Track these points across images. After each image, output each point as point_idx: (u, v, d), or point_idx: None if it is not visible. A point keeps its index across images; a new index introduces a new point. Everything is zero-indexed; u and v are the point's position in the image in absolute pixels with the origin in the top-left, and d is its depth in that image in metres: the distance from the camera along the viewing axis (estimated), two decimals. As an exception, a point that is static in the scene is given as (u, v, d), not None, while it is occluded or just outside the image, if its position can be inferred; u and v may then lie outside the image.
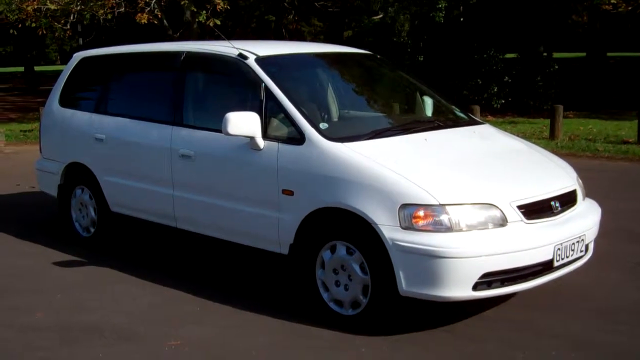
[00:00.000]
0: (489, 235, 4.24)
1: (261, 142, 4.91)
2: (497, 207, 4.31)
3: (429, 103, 5.79)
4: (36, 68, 46.12)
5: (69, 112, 6.80)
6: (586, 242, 4.77)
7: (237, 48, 5.43)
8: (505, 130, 8.25)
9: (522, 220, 4.36)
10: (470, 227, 4.22)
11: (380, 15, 22.34)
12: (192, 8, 17.13)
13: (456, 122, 5.69)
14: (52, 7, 15.88)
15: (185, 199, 5.53)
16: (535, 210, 4.47)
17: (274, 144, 4.89)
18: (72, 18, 16.73)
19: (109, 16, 16.63)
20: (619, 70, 26.65)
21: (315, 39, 32.36)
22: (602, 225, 5.06)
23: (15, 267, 6.11)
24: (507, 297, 4.97)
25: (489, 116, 17.01)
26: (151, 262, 6.17)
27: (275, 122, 4.96)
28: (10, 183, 9.61)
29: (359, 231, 4.45)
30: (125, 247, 6.60)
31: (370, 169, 4.46)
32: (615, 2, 16.64)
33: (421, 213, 4.23)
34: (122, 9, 16.38)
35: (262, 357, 4.27)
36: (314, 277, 4.73)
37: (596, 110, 18.16)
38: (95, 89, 6.78)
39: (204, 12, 16.42)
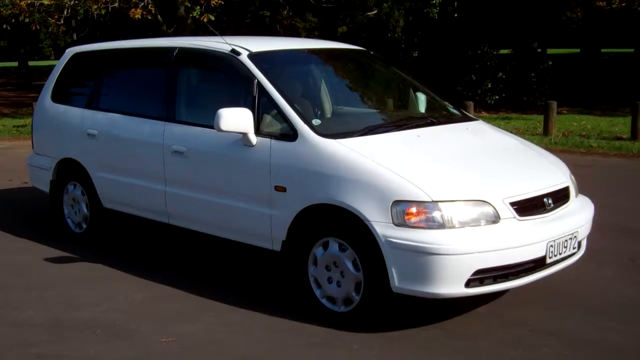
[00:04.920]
0: (482, 232, 4.24)
1: (254, 139, 4.90)
2: (489, 203, 4.31)
3: (422, 99, 5.78)
4: (30, 63, 46.02)
5: (61, 107, 6.78)
6: (579, 239, 4.77)
7: (229, 44, 5.41)
8: (499, 126, 8.26)
9: (514, 217, 4.36)
10: (463, 224, 4.22)
11: (375, 11, 22.34)
12: (186, 3, 17.11)
13: (449, 119, 5.68)
14: (46, 2, 15.83)
15: (178, 195, 5.52)
16: (528, 207, 4.46)
17: (267, 140, 4.88)
18: (65, 13, 16.69)
19: (103, 11, 16.57)
20: (612, 67, 26.69)
21: (309, 34, 32.34)
22: (595, 221, 5.06)
23: (7, 263, 6.09)
24: (500, 294, 4.97)
25: (483, 112, 17.02)
26: (143, 259, 6.16)
27: (267, 118, 4.95)
28: (2, 178, 9.58)
29: (351, 228, 4.44)
30: (118, 244, 6.58)
31: (362, 165, 4.45)
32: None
33: (414, 210, 4.22)
34: (116, 4, 16.33)
35: (254, 354, 4.26)
36: (307, 273, 4.72)
37: (590, 107, 18.19)
38: (88, 84, 6.75)
39: (198, 7, 16.39)
